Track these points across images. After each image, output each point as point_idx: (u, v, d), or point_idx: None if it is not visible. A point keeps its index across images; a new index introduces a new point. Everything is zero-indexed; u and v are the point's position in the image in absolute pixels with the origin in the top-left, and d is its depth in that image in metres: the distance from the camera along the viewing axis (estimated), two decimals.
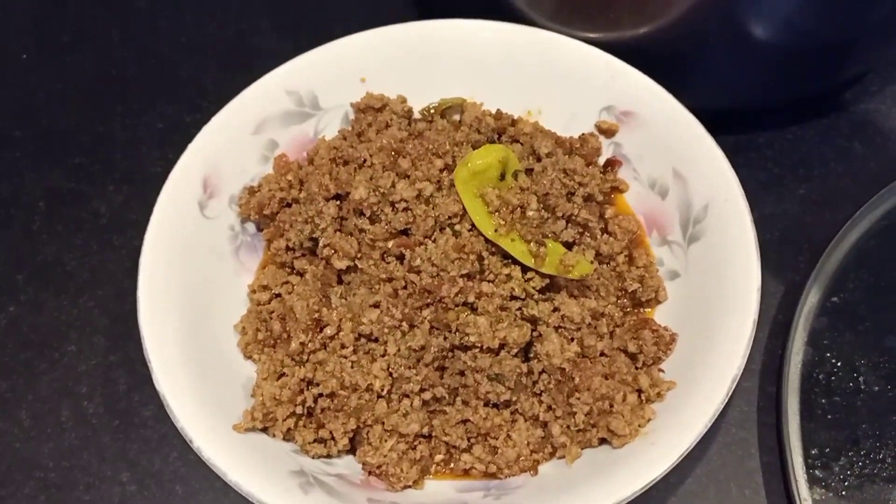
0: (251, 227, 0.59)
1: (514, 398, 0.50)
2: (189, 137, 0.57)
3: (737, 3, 0.56)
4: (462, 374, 0.50)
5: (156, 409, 0.58)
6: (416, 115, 0.63)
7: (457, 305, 0.50)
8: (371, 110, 0.60)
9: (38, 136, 0.72)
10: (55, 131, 0.73)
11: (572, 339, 0.51)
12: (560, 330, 0.51)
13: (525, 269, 0.52)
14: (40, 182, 0.70)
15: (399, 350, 0.50)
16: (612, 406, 0.49)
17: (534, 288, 0.52)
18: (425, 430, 0.50)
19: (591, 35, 0.61)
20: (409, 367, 0.50)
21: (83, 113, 0.74)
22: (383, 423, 0.49)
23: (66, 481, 0.55)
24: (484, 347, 0.49)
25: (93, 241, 0.66)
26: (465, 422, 0.50)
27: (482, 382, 0.49)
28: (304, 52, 0.61)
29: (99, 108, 0.74)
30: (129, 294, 0.62)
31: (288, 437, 0.50)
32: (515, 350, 0.50)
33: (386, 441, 0.49)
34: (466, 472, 0.50)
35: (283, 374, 0.51)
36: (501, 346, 0.49)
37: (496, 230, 0.51)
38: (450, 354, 0.51)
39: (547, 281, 0.52)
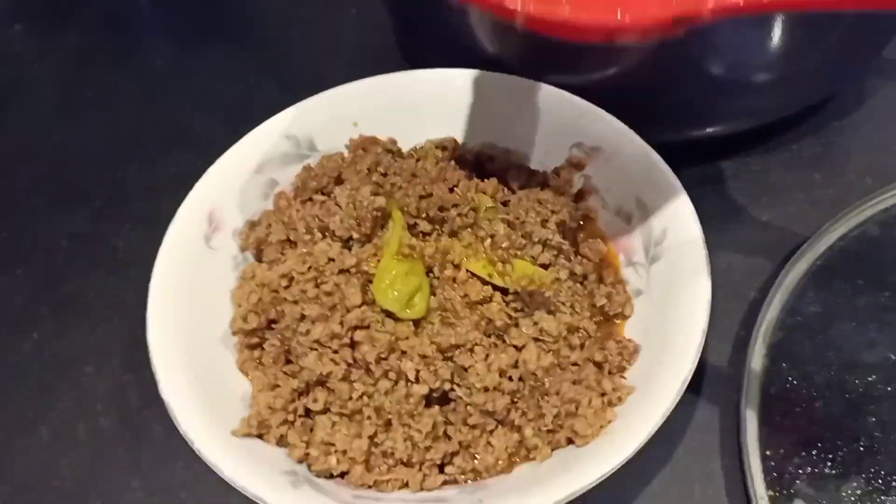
0: (251, 256, 0.64)
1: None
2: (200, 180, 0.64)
3: (692, 45, 0.62)
4: (453, 401, 0.55)
5: (165, 424, 0.62)
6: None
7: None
8: (360, 149, 0.66)
9: (62, 184, 0.79)
10: (75, 181, 0.79)
11: (549, 351, 0.56)
12: (538, 342, 0.56)
13: (504, 293, 0.57)
14: (63, 224, 0.76)
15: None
16: (577, 409, 0.53)
17: (514, 309, 0.56)
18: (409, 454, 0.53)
19: (560, 79, 0.67)
20: (409, 415, 0.53)
21: (103, 162, 0.81)
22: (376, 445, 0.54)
23: (82, 489, 0.60)
24: (481, 387, 0.53)
25: (110, 275, 0.72)
26: (446, 436, 0.54)
27: (474, 414, 0.53)
28: None
29: (116, 159, 0.81)
30: (142, 323, 0.67)
31: (281, 442, 0.55)
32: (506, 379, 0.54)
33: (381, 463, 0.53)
34: (446, 482, 0.54)
35: (276, 386, 0.56)
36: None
37: (466, 258, 0.56)
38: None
39: (524, 304, 0.57)
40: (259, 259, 0.64)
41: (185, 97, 0.86)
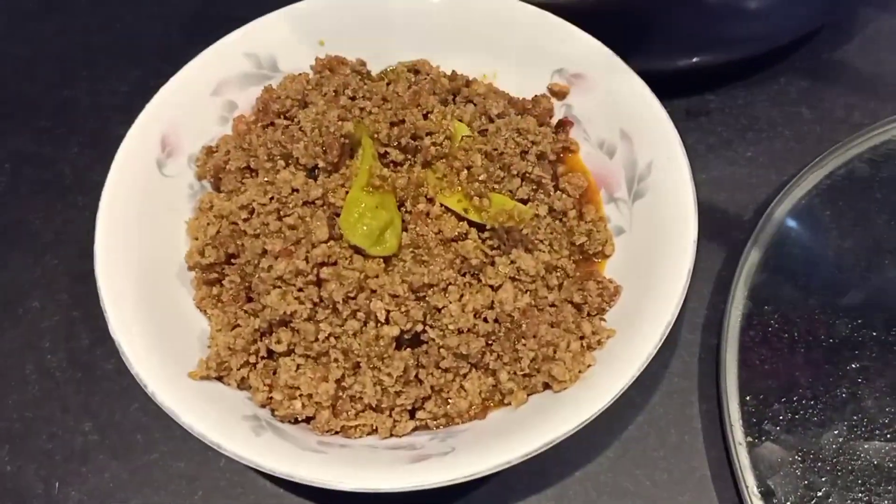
0: (209, 185, 0.60)
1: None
2: None
3: None
4: (425, 343, 0.52)
5: (117, 363, 0.58)
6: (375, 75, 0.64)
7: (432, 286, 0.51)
8: (326, 70, 0.61)
9: (4, 101, 0.73)
10: (20, 96, 0.74)
11: (526, 291, 0.53)
12: (515, 281, 0.53)
13: (480, 229, 0.53)
14: (5, 145, 0.71)
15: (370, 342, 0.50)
16: (555, 352, 0.51)
17: (490, 247, 0.53)
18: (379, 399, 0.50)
19: None
20: (379, 358, 0.50)
21: (49, 78, 0.75)
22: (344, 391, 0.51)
23: (30, 431, 0.57)
24: (455, 329, 0.50)
25: (57, 201, 0.67)
26: (418, 380, 0.52)
27: (447, 357, 0.51)
28: None
29: (64, 74, 0.75)
30: (92, 254, 0.64)
31: (242, 385, 0.51)
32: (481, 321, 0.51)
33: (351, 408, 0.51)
34: (416, 428, 0.52)
35: (237, 325, 0.52)
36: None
37: (440, 191, 0.53)
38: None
39: (500, 241, 0.53)
40: (217, 188, 0.59)
41: (136, 7, 0.80)
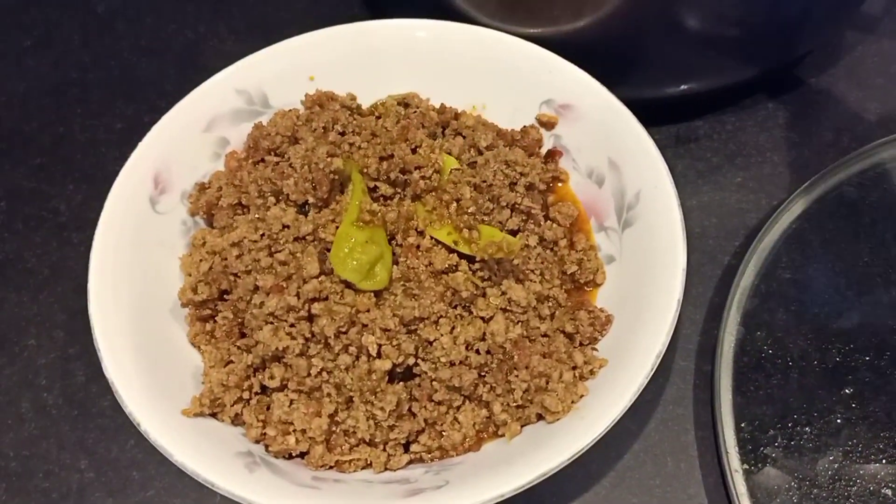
0: (202, 221, 0.60)
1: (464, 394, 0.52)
2: None
3: None
4: (417, 376, 0.52)
5: (113, 400, 0.58)
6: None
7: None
8: (315, 105, 0.61)
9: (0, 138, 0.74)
10: (16, 133, 0.74)
11: (518, 322, 0.53)
12: (506, 312, 0.53)
13: (471, 261, 0.54)
14: (1, 182, 0.71)
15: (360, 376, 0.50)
16: (547, 383, 0.51)
17: (481, 278, 0.53)
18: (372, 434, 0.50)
19: (530, 31, 0.63)
20: (371, 392, 0.50)
21: (44, 114, 0.76)
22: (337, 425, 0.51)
23: (26, 469, 0.57)
24: (447, 361, 0.50)
25: (52, 238, 0.68)
26: (411, 414, 0.51)
27: (440, 390, 0.51)
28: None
29: (59, 110, 0.76)
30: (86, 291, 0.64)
31: (236, 421, 0.52)
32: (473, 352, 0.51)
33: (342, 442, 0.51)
34: (411, 461, 0.52)
35: (230, 362, 0.52)
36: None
37: (429, 224, 0.53)
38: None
39: (491, 272, 0.54)
40: (210, 224, 0.60)
41: (131, 43, 0.81)
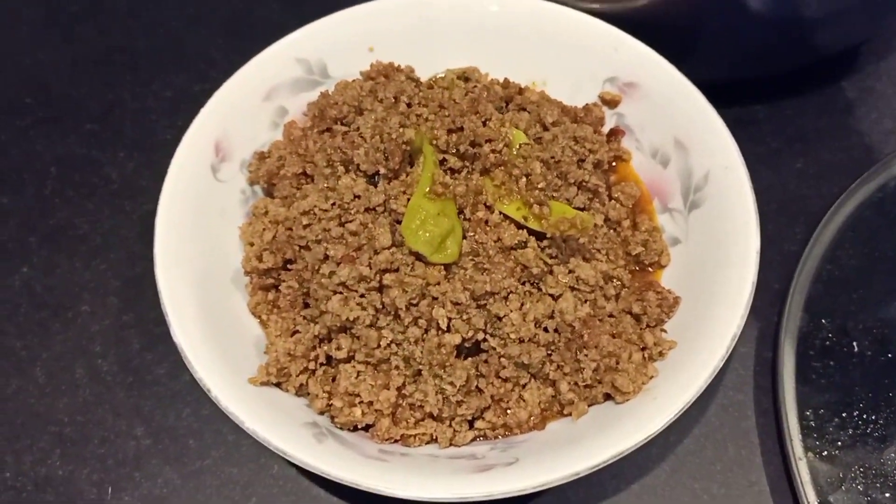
0: (260, 191, 0.60)
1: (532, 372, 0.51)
2: (197, 106, 0.58)
3: None
4: (485, 352, 0.51)
5: (169, 367, 0.59)
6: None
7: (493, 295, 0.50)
8: (381, 76, 0.61)
9: (49, 104, 0.73)
10: (66, 99, 0.74)
11: (585, 301, 0.52)
12: (574, 291, 0.52)
13: (539, 238, 0.53)
14: (52, 148, 0.71)
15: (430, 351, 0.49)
16: (617, 363, 0.50)
17: (549, 256, 0.53)
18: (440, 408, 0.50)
19: (595, 6, 0.62)
20: (441, 366, 0.49)
21: (93, 82, 0.75)
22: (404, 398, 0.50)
23: (81, 436, 0.57)
24: (516, 338, 0.50)
25: (104, 206, 0.67)
26: (478, 390, 0.51)
27: (508, 367, 0.50)
28: (310, 22, 0.62)
29: (108, 78, 0.75)
30: (141, 258, 0.64)
31: (300, 392, 0.51)
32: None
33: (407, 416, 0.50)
34: (475, 438, 0.51)
35: (296, 332, 0.52)
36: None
37: (498, 199, 0.52)
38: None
39: (559, 250, 0.53)
40: (270, 194, 0.59)
41: (178, 12, 0.80)
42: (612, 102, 0.62)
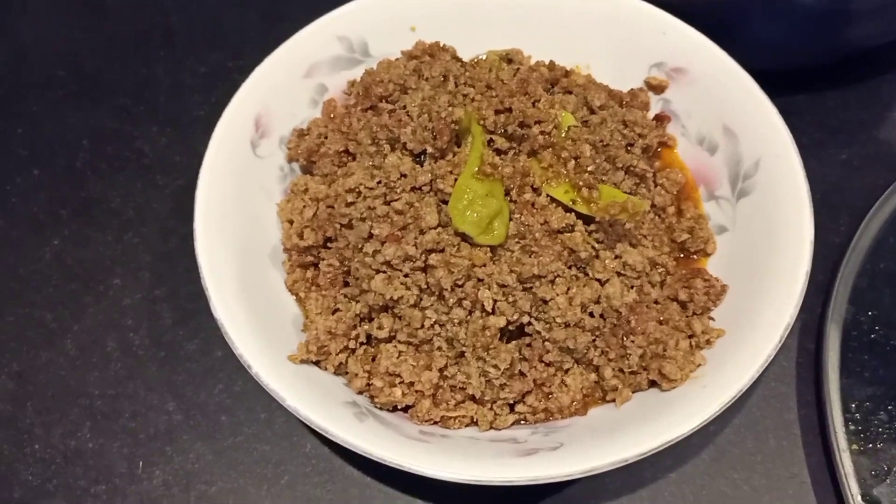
0: (298, 168, 0.59)
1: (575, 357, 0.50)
2: (232, 83, 0.57)
3: None
4: (528, 336, 0.50)
5: (201, 343, 0.58)
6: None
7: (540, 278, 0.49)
8: (426, 55, 0.60)
9: (82, 78, 0.73)
10: (99, 74, 0.73)
11: (632, 287, 0.51)
12: (621, 276, 0.51)
13: (586, 221, 0.52)
14: (84, 121, 0.70)
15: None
16: (665, 350, 0.49)
17: (596, 240, 0.52)
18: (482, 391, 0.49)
19: None
20: (485, 348, 0.48)
21: (126, 57, 0.74)
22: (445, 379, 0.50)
23: (113, 409, 0.56)
24: (562, 322, 0.49)
25: (137, 180, 0.66)
26: (521, 374, 0.50)
27: (552, 351, 0.49)
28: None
29: (143, 54, 0.75)
30: (173, 233, 0.63)
31: (339, 371, 0.50)
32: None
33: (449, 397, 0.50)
34: (516, 422, 0.50)
35: (337, 310, 0.51)
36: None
37: (546, 181, 0.51)
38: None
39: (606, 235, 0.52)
40: (308, 171, 0.58)
41: None
42: (658, 88, 0.61)
